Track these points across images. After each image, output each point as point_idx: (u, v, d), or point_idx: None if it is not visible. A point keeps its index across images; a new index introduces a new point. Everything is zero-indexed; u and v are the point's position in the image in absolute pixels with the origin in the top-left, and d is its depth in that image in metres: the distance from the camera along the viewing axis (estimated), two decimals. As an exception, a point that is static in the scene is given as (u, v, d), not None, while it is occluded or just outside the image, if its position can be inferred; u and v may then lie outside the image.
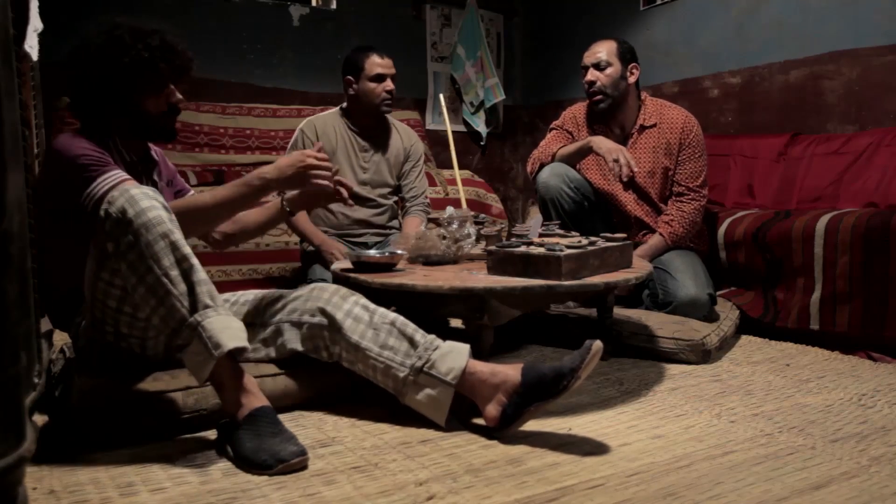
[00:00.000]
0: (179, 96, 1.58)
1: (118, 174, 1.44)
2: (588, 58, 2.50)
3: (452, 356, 1.42)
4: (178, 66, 1.55)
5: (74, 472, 1.23)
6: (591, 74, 2.46)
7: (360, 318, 1.49)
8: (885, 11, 2.77)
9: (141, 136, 1.60)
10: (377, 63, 2.49)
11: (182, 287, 1.29)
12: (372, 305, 1.52)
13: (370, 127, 2.62)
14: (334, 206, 2.54)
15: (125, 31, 1.49)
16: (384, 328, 1.47)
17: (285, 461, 1.22)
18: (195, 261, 1.33)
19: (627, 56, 2.48)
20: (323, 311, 1.51)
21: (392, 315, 1.50)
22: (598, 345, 1.35)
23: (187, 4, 3.69)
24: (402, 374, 1.43)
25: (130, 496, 1.14)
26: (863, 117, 2.86)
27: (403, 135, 2.70)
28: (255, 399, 1.32)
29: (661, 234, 2.42)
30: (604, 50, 2.47)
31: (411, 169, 2.69)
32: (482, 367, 1.42)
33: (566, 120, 2.66)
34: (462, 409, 1.47)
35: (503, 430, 1.39)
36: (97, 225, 1.33)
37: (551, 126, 2.69)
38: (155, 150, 1.72)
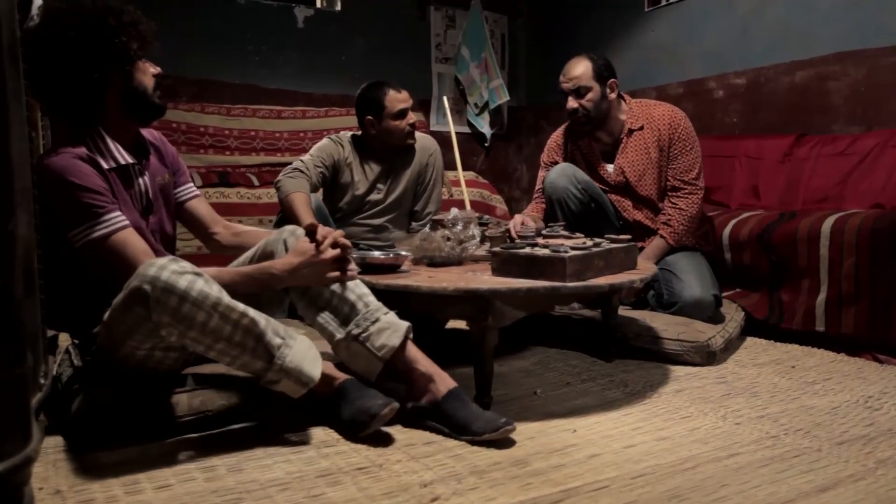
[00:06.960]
0: (157, 68, 1.52)
1: (115, 220, 1.39)
2: (565, 84, 2.43)
3: (387, 334, 1.49)
4: (143, 34, 1.46)
5: (80, 471, 1.24)
6: (572, 103, 2.41)
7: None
8: (892, 12, 2.75)
9: (135, 116, 1.51)
10: (397, 99, 2.43)
11: (250, 343, 1.33)
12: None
13: (390, 156, 2.55)
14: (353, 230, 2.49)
15: (76, 16, 1.39)
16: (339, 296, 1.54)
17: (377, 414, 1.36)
18: (250, 312, 1.33)
19: (605, 74, 2.41)
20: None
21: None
22: (509, 429, 1.37)
23: (191, 6, 3.70)
24: (337, 337, 1.50)
25: (136, 494, 1.14)
26: (869, 118, 2.84)
27: (421, 153, 2.58)
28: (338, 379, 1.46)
29: (661, 235, 2.40)
30: (580, 73, 2.39)
31: (424, 190, 2.61)
32: (421, 366, 1.48)
33: (550, 150, 2.65)
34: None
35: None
36: (129, 298, 1.29)
37: (541, 162, 2.67)
38: (152, 139, 1.63)
